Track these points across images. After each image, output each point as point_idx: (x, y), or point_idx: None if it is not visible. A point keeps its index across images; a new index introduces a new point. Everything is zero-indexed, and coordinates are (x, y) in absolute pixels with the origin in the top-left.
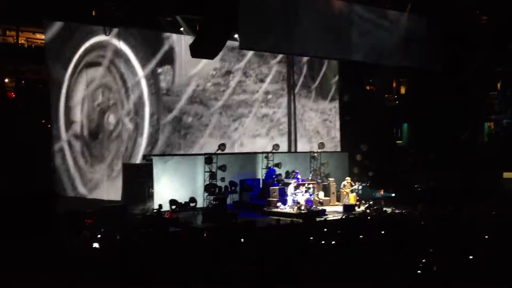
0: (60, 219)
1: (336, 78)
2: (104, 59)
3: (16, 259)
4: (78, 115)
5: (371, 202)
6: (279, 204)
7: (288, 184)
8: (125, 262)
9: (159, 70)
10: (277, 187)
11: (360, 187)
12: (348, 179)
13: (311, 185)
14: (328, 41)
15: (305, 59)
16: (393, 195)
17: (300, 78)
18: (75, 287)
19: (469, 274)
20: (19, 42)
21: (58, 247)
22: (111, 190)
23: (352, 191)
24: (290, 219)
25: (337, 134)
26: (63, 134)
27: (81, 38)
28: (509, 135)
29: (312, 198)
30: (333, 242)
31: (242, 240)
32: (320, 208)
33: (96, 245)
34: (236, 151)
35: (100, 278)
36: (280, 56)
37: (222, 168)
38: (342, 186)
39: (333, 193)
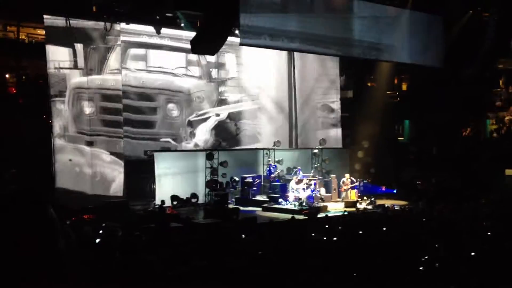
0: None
1: (337, 74)
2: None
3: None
4: None
5: (372, 199)
6: (280, 200)
7: (289, 181)
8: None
9: None
10: (279, 183)
11: (362, 184)
12: (347, 175)
13: (312, 182)
14: (328, 37)
15: (306, 55)
16: (395, 191)
17: (300, 74)
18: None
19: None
20: (20, 37)
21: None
22: (112, 186)
23: (353, 188)
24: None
25: (338, 130)
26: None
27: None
28: (511, 132)
29: (314, 195)
30: (335, 239)
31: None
32: (321, 204)
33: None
34: (237, 147)
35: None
36: (280, 51)
37: (223, 164)
38: (341, 182)
39: (335, 189)
